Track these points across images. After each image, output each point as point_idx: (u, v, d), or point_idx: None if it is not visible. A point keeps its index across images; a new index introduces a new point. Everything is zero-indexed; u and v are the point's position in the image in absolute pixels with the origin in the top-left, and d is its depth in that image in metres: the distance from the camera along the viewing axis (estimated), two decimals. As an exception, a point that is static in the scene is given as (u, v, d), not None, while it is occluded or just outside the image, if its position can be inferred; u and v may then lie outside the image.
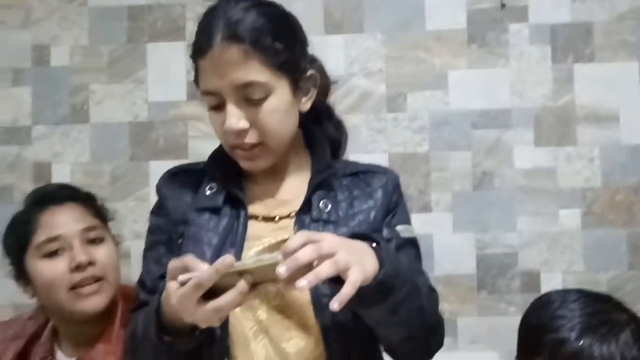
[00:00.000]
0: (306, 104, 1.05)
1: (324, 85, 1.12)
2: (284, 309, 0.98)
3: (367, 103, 1.80)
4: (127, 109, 1.83)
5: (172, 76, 1.81)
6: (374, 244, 0.90)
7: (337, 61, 1.78)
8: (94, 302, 1.22)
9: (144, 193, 1.81)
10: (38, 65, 1.85)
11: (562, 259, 1.75)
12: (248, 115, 0.98)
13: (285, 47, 0.98)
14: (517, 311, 1.71)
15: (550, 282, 1.72)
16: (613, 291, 1.48)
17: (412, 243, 1.07)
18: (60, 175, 1.81)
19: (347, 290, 0.79)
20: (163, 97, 1.83)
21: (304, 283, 0.78)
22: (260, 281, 0.81)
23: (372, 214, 1.05)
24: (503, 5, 1.79)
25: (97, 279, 1.23)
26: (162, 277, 0.92)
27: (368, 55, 1.81)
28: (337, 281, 0.82)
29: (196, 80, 1.02)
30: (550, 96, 1.77)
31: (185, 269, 0.84)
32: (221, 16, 0.96)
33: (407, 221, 1.09)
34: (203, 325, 0.86)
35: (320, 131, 1.12)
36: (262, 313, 0.98)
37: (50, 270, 1.22)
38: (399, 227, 1.05)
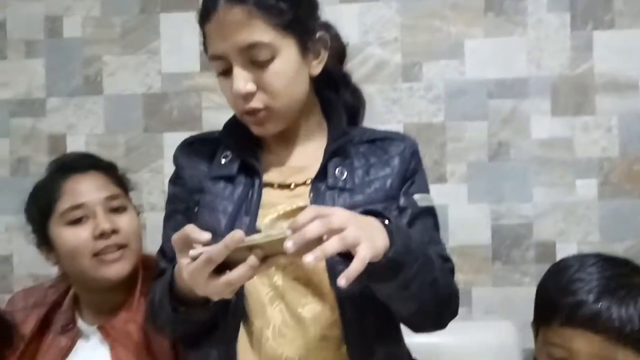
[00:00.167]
0: (317, 67, 1.03)
1: (340, 51, 1.11)
2: (300, 276, 0.98)
3: (382, 73, 1.78)
4: (141, 80, 1.83)
5: (185, 47, 1.81)
6: (386, 221, 0.89)
7: (352, 30, 1.75)
8: (117, 269, 1.24)
9: (158, 165, 1.81)
10: (51, 37, 1.84)
11: (578, 229, 1.74)
12: (255, 78, 0.97)
13: (290, 6, 0.97)
14: (532, 282, 1.72)
15: (566, 253, 1.65)
16: (630, 261, 1.47)
17: (429, 212, 1.06)
18: (75, 147, 1.82)
19: (356, 267, 0.79)
20: (176, 68, 1.82)
21: (310, 258, 0.78)
22: (270, 254, 0.82)
23: (389, 182, 1.04)
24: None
25: (120, 247, 1.25)
26: None
27: (383, 23, 1.78)
28: (347, 257, 0.82)
29: (205, 47, 1.02)
30: (568, 65, 1.75)
31: (187, 239, 0.85)
32: None
33: (425, 190, 1.08)
34: (215, 299, 0.88)
35: (337, 98, 1.11)
36: (278, 279, 0.98)
37: (74, 237, 1.23)
38: (416, 196, 1.04)
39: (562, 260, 1.06)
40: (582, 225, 1.74)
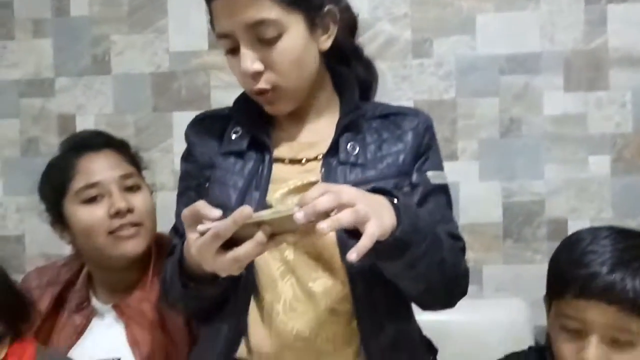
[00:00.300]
0: (326, 42, 1.02)
1: (351, 22, 1.09)
2: (311, 250, 0.98)
3: (392, 49, 1.76)
4: (149, 59, 1.82)
5: (193, 25, 1.79)
6: (395, 200, 0.88)
7: (361, 6, 1.73)
8: (132, 245, 1.25)
9: (167, 144, 1.81)
10: (58, 16, 1.83)
11: (591, 206, 1.73)
12: (262, 57, 0.96)
13: None
14: (544, 259, 1.71)
15: (578, 230, 1.70)
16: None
17: (442, 190, 1.05)
18: (85, 127, 1.81)
19: (365, 243, 0.79)
20: (184, 46, 1.81)
21: (324, 226, 0.77)
22: (278, 232, 0.81)
23: (402, 157, 1.03)
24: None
25: (135, 225, 1.25)
26: None
27: (392, -1, 1.76)
28: (354, 235, 0.82)
29: (212, 25, 1.01)
30: (581, 39, 1.72)
31: (197, 215, 0.85)
32: None
33: (439, 166, 1.07)
34: (223, 275, 0.87)
35: (349, 72, 1.10)
36: (290, 254, 0.98)
37: (90, 215, 1.24)
38: (429, 173, 1.03)
39: (575, 234, 1.06)
40: (594, 202, 1.72)
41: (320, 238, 0.93)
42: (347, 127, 1.03)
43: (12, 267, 1.22)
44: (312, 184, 0.99)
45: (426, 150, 1.05)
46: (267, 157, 1.03)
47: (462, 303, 1.05)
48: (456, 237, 1.03)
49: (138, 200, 1.28)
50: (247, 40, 0.95)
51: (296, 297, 0.98)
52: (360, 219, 0.80)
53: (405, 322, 1.06)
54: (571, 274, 0.98)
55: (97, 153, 1.29)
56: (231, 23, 0.95)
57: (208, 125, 1.11)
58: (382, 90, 1.67)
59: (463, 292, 1.04)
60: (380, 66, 1.72)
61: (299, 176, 1.01)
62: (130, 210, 1.25)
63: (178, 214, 1.10)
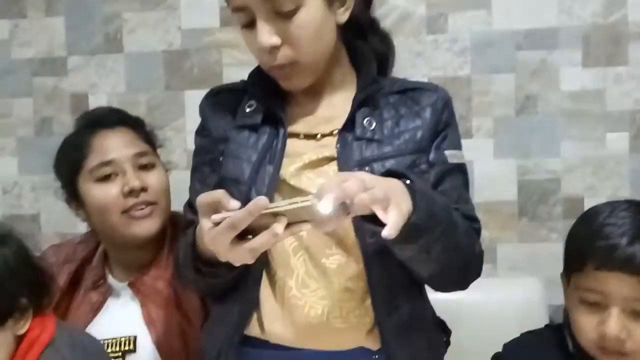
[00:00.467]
0: (344, 14, 1.00)
1: None
2: None
3: (406, 25, 1.73)
4: (161, 37, 1.80)
5: (205, 2, 1.77)
6: (407, 181, 0.87)
7: (375, -19, 1.70)
8: (146, 226, 1.25)
9: (180, 123, 1.81)
10: (69, -8, 1.82)
11: (607, 184, 1.70)
12: (279, 31, 0.94)
13: None
14: (559, 238, 1.69)
15: (594, 208, 1.68)
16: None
17: (460, 169, 1.04)
18: (97, 106, 1.81)
19: (397, 218, 0.78)
20: (196, 24, 1.79)
21: (364, 196, 0.77)
22: (294, 221, 0.80)
23: (419, 134, 1.01)
24: None
25: (149, 204, 1.25)
26: None
27: (407, -27, 1.72)
28: (372, 221, 0.81)
29: None
30: (600, 13, 1.68)
31: (215, 204, 0.83)
32: None
33: (457, 145, 1.05)
34: (236, 264, 0.87)
35: (366, 46, 1.08)
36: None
37: (103, 194, 1.24)
38: (447, 152, 1.02)
39: (592, 208, 1.06)
40: (612, 180, 1.70)
41: (339, 227, 0.92)
42: (363, 102, 1.02)
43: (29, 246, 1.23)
44: (327, 159, 0.99)
45: (445, 127, 1.04)
46: (281, 131, 1.02)
47: (476, 282, 1.04)
48: (472, 219, 1.02)
49: (152, 178, 1.27)
50: (263, 14, 0.94)
51: (309, 273, 0.97)
52: (381, 203, 0.79)
53: (419, 302, 1.05)
54: (591, 246, 0.98)
55: (111, 130, 1.28)
56: None
57: (223, 99, 1.10)
58: (396, 67, 1.65)
59: (477, 274, 1.04)
60: (394, 42, 1.71)
61: (313, 151, 1.00)
62: (144, 189, 1.25)
63: (192, 189, 1.10)
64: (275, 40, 0.95)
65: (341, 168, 0.97)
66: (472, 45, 1.72)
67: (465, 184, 1.06)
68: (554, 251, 1.66)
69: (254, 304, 0.99)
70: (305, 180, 0.99)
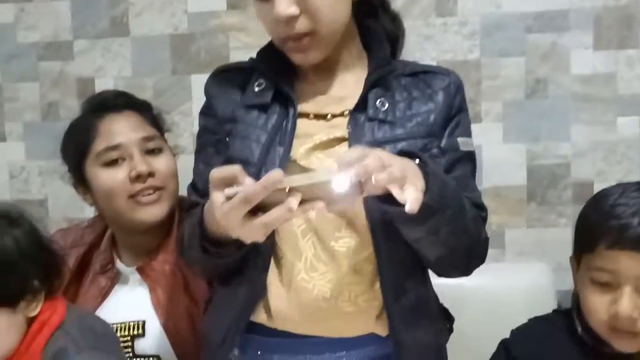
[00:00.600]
0: None
1: None
2: None
3: (415, 7, 1.71)
4: (167, 20, 1.79)
5: (211, -16, 1.76)
6: (417, 160, 0.87)
7: (383, -37, 1.68)
8: (153, 211, 1.24)
9: (186, 107, 1.80)
10: (74, -25, 1.81)
11: (618, 169, 1.69)
12: (297, 1, 0.93)
13: None
14: (568, 222, 1.68)
15: (604, 193, 1.67)
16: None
17: (469, 157, 1.04)
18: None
19: (415, 195, 0.78)
20: (202, 7, 1.77)
21: (383, 176, 0.76)
22: (308, 198, 0.79)
23: (432, 117, 1.00)
24: None
25: (157, 189, 1.25)
26: None
27: (415, -45, 1.70)
28: (386, 200, 0.80)
29: None
30: (612, -6, 1.65)
31: (230, 178, 0.82)
32: None
33: (468, 131, 1.05)
34: (248, 241, 0.86)
35: (378, 24, 1.06)
36: (312, 212, 0.96)
37: (110, 178, 1.23)
38: (459, 139, 1.01)
39: (603, 190, 1.06)
40: (622, 164, 1.68)
41: (351, 207, 0.91)
42: (376, 83, 1.00)
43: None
44: (338, 139, 0.98)
45: (457, 112, 1.03)
46: (291, 111, 1.00)
47: (484, 267, 1.04)
48: (479, 207, 1.02)
49: (160, 163, 1.27)
50: None
51: (317, 256, 0.97)
52: (399, 182, 0.78)
53: (424, 288, 1.05)
54: (603, 225, 0.99)
55: (118, 114, 1.27)
56: None
57: (230, 78, 1.08)
58: (404, 50, 1.64)
59: (481, 261, 1.03)
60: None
61: (324, 131, 0.99)
62: (151, 174, 1.24)
63: (196, 171, 1.08)
64: (293, 9, 0.93)
65: None
66: (481, 28, 1.70)
67: (474, 172, 1.05)
68: (563, 236, 1.65)
69: (261, 289, 0.98)
70: (316, 161, 0.98)
